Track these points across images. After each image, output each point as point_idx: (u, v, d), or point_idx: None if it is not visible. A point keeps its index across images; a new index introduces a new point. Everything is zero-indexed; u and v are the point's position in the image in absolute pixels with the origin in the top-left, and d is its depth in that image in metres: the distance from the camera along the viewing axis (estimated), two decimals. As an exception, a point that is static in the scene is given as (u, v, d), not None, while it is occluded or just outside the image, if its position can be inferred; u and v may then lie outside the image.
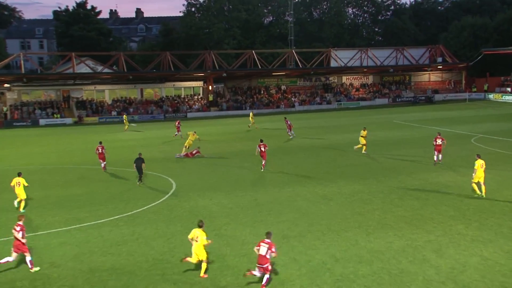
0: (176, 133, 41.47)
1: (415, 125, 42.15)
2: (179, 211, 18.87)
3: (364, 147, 30.19)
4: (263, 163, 26.25)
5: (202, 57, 68.08)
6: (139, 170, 24.19)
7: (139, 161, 24.33)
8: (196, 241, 13.12)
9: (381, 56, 74.52)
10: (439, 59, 74.96)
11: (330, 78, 77.21)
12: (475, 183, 19.33)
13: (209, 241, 13.36)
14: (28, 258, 13.86)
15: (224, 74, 65.35)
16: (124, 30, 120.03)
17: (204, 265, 13.16)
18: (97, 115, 62.33)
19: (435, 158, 25.62)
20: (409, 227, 16.10)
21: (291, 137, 38.98)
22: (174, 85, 70.66)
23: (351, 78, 77.79)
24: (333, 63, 73.67)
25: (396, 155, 29.01)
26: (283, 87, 75.28)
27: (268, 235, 12.47)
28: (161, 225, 17.29)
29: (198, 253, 13.11)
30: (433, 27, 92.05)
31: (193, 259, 13.23)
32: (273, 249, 12.19)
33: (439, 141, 25.94)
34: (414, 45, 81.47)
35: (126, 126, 50.05)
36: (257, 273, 12.34)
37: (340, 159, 28.64)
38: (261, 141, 27.22)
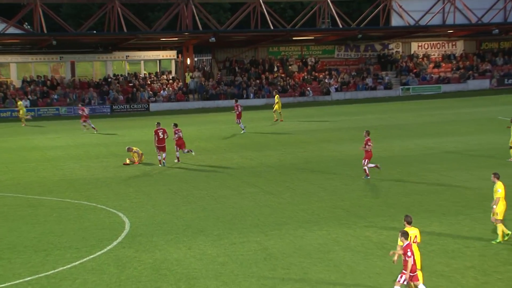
0: (84, 124, 46.36)
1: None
2: (136, 268, 18.83)
3: None
4: (161, 156, 33.87)
5: (175, 10, 68.16)
6: None
7: None
8: (415, 242, 16.18)
9: (478, 7, 74.31)
10: None
11: (391, 46, 77.12)
12: (500, 220, 20.15)
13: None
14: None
15: (212, 39, 65.34)
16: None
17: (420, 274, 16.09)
18: (-4, 105, 63.66)
19: (372, 165, 29.62)
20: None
21: (243, 131, 45.80)
22: (127, 56, 70.89)
23: (426, 46, 77.61)
24: (395, 21, 73.68)
25: (506, 176, 29.21)
26: (311, 61, 75.27)
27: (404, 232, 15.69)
28: (105, 292, 17.68)
29: (418, 260, 16.13)
30: None
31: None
32: (408, 251, 15.57)
33: (369, 145, 29.48)
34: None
35: (23, 117, 53.30)
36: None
37: (406, 181, 28.89)
38: (158, 124, 33.89)
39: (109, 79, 68.85)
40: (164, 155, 34.27)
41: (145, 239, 21.45)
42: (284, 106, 60.80)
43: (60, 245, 21.11)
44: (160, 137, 33.81)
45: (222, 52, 74.05)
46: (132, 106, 65.02)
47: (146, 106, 64.95)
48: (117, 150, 39.16)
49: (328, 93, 70.15)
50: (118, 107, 64.68)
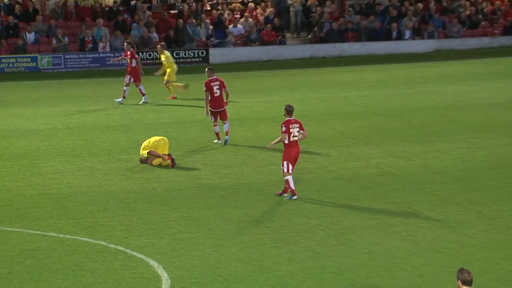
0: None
1: None
2: None
3: None
4: (219, 128, 37.60)
5: None
6: None
7: None
8: None
9: None
10: None
11: None
12: None
13: None
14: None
15: None
16: None
17: None
18: None
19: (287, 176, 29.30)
20: None
21: (119, 99, 48.88)
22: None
23: None
24: None
25: None
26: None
27: None
28: None
29: None
30: None
31: None
32: None
33: (295, 133, 29.46)
34: None
35: None
36: None
37: None
38: (211, 71, 37.95)
39: (133, 2, 68.77)
40: (226, 125, 35.32)
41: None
42: (471, 53, 59.92)
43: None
44: (216, 94, 34.46)
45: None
46: (176, 53, 62.80)
47: (202, 53, 63.70)
48: (147, 138, 37.03)
49: None
50: (149, 55, 64.66)
